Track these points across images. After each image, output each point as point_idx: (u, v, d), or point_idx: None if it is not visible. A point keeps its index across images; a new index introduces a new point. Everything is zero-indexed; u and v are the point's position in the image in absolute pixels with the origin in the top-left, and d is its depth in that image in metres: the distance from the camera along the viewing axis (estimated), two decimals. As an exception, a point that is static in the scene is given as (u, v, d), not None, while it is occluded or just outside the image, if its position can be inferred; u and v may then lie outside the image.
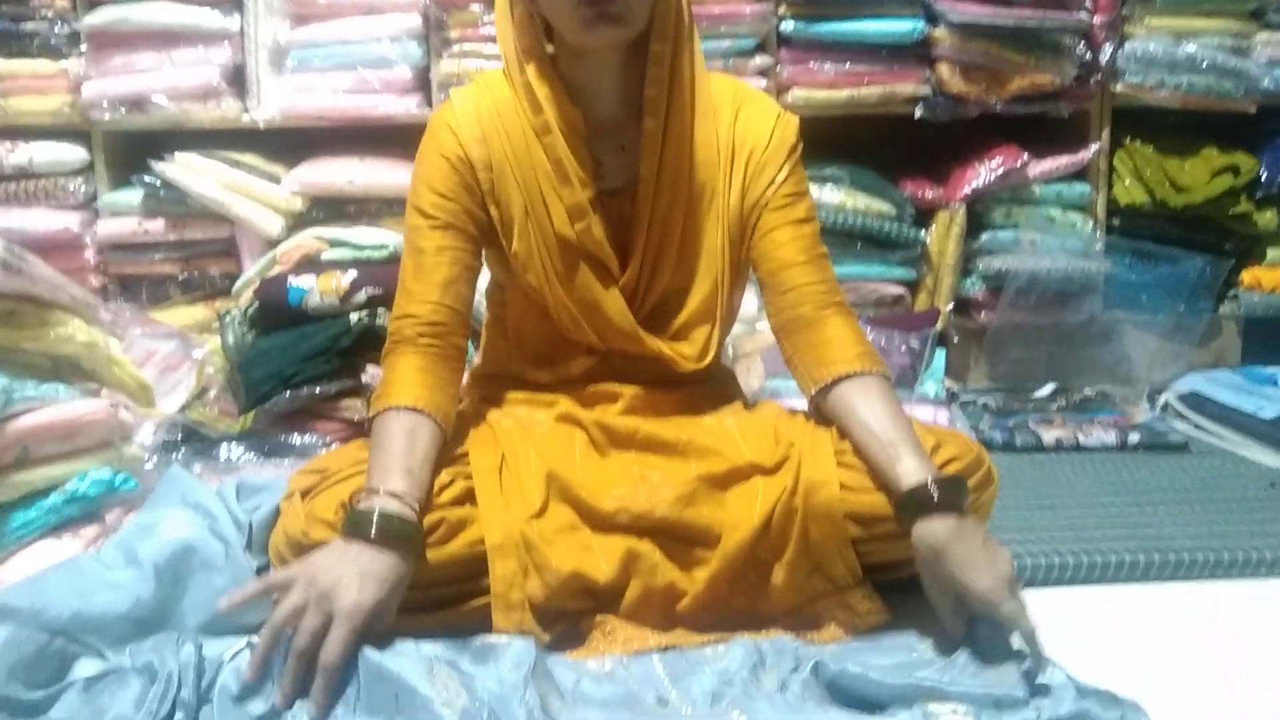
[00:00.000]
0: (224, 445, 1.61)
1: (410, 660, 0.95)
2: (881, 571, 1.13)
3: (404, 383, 1.13)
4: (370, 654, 0.94)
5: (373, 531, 0.98)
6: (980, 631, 1.01)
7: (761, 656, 1.03)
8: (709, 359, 1.24)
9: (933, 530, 1.02)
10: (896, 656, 1.05)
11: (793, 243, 1.20)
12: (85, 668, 0.95)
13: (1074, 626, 0.93)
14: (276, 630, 0.95)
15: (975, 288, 2.23)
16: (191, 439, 1.64)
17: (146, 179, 2.06)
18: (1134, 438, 1.85)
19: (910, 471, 1.04)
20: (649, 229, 1.19)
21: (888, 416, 1.10)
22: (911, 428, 1.11)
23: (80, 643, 0.97)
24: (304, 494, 1.11)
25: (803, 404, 1.25)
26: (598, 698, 0.98)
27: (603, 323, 1.21)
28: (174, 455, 1.56)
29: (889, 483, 1.06)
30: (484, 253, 1.23)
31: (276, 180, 2.07)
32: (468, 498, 1.11)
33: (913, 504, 1.03)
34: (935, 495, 1.02)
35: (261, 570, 1.17)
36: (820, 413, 1.18)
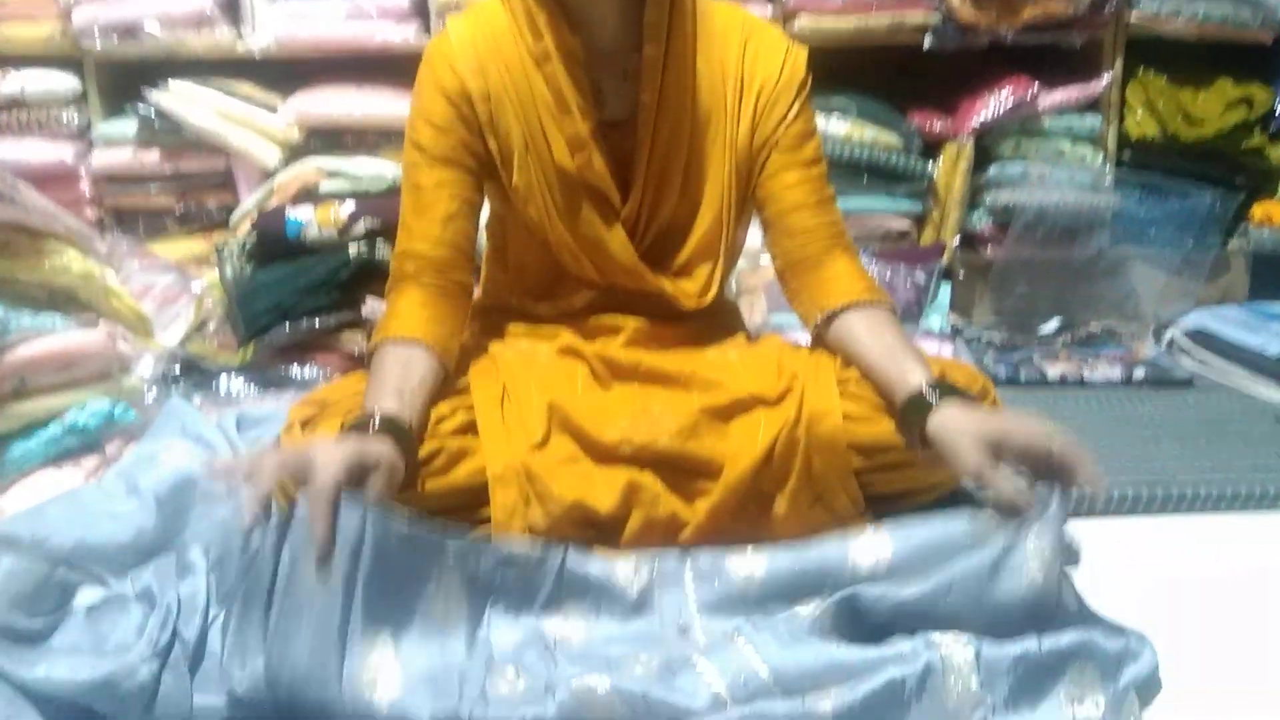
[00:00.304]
0: (223, 378, 1.60)
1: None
2: (883, 504, 1.12)
3: (403, 316, 1.12)
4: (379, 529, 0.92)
5: (368, 430, 0.97)
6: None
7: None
8: (711, 296, 1.23)
9: (954, 408, 1.00)
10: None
11: (801, 185, 1.18)
12: (87, 596, 0.95)
13: (1081, 558, 0.93)
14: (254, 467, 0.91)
15: (982, 222, 2.20)
16: (191, 372, 1.63)
17: (141, 108, 2.02)
18: (1139, 373, 1.84)
19: (923, 377, 1.04)
20: (650, 159, 1.16)
21: (895, 340, 1.10)
22: (919, 351, 1.10)
23: (82, 571, 0.96)
24: (303, 425, 1.10)
25: (806, 339, 1.25)
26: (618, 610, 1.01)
27: (604, 258, 1.19)
28: (174, 388, 1.56)
29: (899, 392, 1.05)
30: (484, 186, 1.21)
31: (273, 110, 2.03)
32: (469, 429, 1.10)
33: (931, 394, 1.02)
34: (952, 390, 1.02)
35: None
36: (824, 343, 1.17)
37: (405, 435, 1.01)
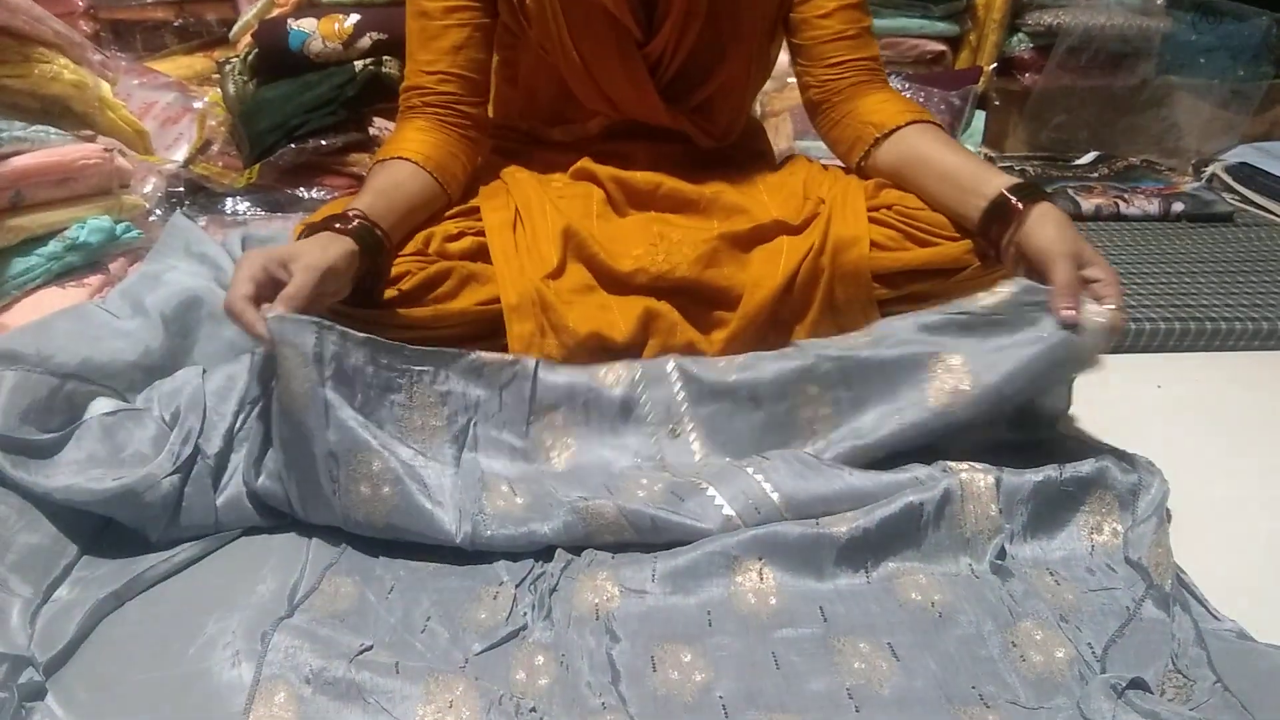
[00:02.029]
0: (229, 200, 1.55)
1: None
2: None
3: (402, 140, 1.07)
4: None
5: (330, 227, 0.93)
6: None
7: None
8: (732, 136, 1.17)
9: (1045, 218, 0.93)
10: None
11: (840, 13, 1.10)
12: (99, 407, 0.93)
13: (1109, 394, 0.90)
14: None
15: (1021, 46, 2.08)
16: (196, 193, 1.59)
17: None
18: (1178, 207, 1.77)
19: (1003, 182, 0.97)
20: None
21: (963, 151, 1.03)
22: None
23: (92, 384, 0.94)
24: None
25: (834, 163, 1.19)
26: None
27: (619, 91, 1.12)
28: (179, 209, 1.51)
29: (979, 197, 0.97)
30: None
31: (271, -86, 1.90)
32: (478, 253, 1.06)
33: (1017, 199, 0.94)
34: (1035, 190, 0.95)
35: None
36: (874, 169, 1.10)
37: (367, 229, 0.95)
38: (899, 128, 1.07)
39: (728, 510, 0.87)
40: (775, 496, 0.87)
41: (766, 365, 0.97)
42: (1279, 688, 0.70)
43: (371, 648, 0.74)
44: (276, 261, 0.87)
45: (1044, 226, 0.92)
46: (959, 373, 0.92)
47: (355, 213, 0.95)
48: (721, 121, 1.17)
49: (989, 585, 0.83)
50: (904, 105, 1.10)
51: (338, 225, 0.93)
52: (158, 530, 0.86)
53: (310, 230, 0.94)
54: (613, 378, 0.99)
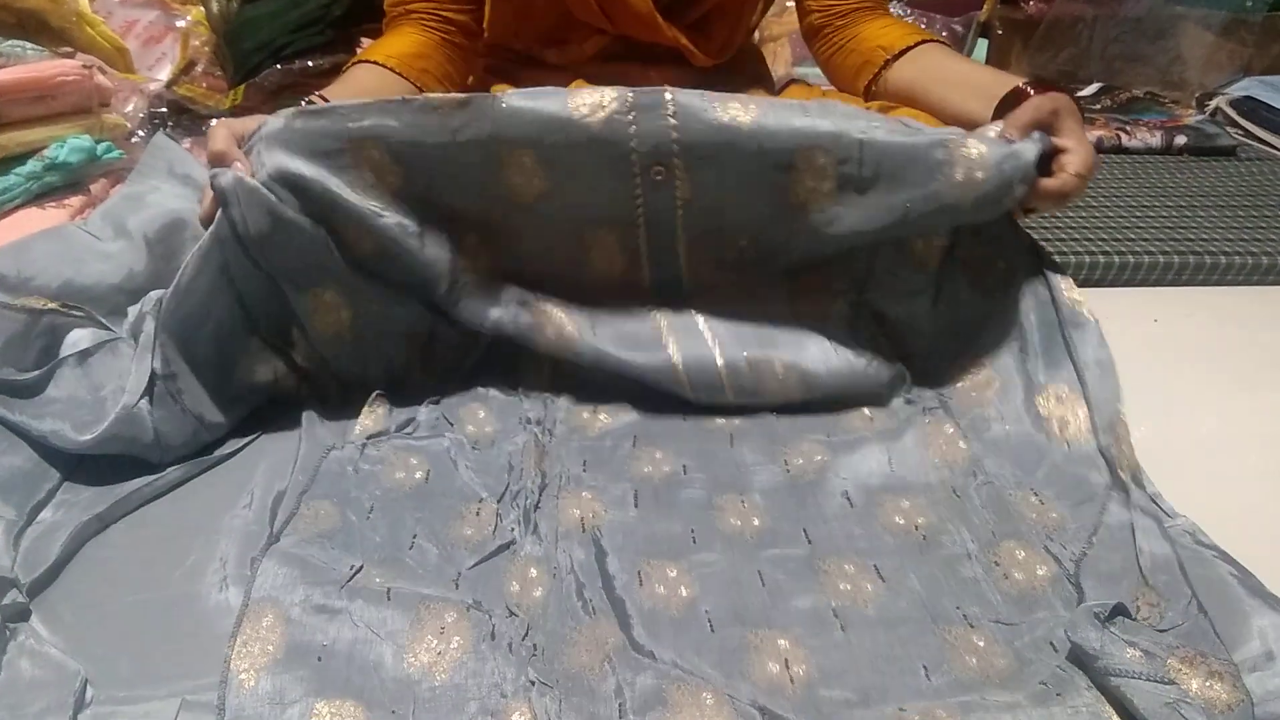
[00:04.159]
0: (213, 122, 1.52)
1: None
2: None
3: (373, 47, 1.05)
4: None
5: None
6: None
7: None
8: (728, 54, 1.14)
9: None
10: None
11: None
12: (77, 339, 0.91)
13: (1110, 325, 0.89)
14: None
15: (1026, -28, 2.04)
16: (180, 114, 1.55)
17: None
18: (1180, 140, 1.75)
19: (1021, 81, 0.93)
20: None
21: (974, 64, 1.01)
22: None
23: (69, 315, 0.92)
24: None
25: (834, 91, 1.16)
26: None
27: (616, 3, 1.08)
28: (162, 130, 1.48)
29: (996, 91, 0.93)
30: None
31: None
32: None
33: (1029, 89, 0.91)
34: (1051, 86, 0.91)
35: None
36: (884, 91, 1.07)
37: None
38: (909, 48, 1.05)
39: (676, 359, 0.91)
40: (720, 364, 0.92)
41: (783, 115, 0.86)
42: (1217, 598, 0.69)
43: (363, 568, 0.74)
44: (241, 130, 0.87)
45: (1041, 100, 0.88)
46: (978, 162, 0.85)
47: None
48: (718, 39, 1.14)
49: (972, 508, 0.83)
50: (909, 28, 1.08)
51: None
52: (156, 454, 0.84)
53: None
54: (590, 105, 0.85)
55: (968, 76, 0.99)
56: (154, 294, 0.93)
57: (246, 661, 0.65)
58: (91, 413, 0.84)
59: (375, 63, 1.03)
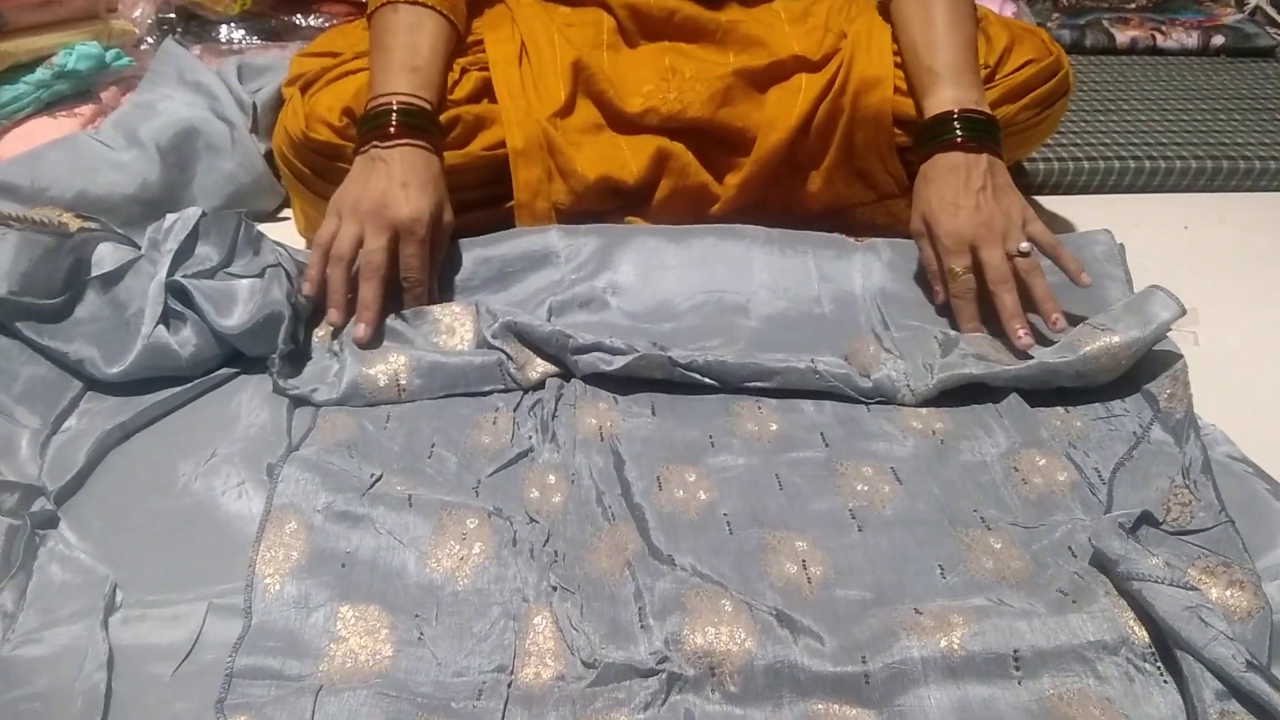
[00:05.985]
0: (223, 27, 1.48)
1: None
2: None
3: None
4: None
5: (391, 127, 0.89)
6: None
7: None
8: None
9: (935, 161, 0.91)
10: None
11: None
12: (102, 258, 0.90)
13: (1134, 234, 0.87)
14: (325, 249, 0.87)
15: None
16: (189, 21, 1.51)
17: None
18: (1218, 40, 1.68)
19: (941, 103, 0.92)
20: None
21: (943, 32, 0.95)
22: (968, 48, 0.95)
23: (93, 232, 0.91)
24: (304, 88, 1.01)
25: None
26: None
27: None
28: (171, 36, 1.45)
29: (919, 112, 0.95)
30: None
31: None
32: (484, 92, 1.01)
33: (933, 131, 0.92)
34: (958, 131, 0.91)
35: (269, 156, 1.10)
36: (883, 13, 1.04)
37: (435, 126, 0.93)
38: None
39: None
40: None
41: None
42: (1245, 506, 0.70)
43: (382, 476, 0.74)
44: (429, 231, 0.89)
45: (932, 176, 0.91)
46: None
47: (411, 104, 0.91)
48: None
49: (991, 414, 0.82)
50: None
51: (420, 132, 0.90)
52: (190, 368, 0.84)
53: (372, 129, 0.90)
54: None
55: (906, 63, 0.97)
56: (186, 212, 0.91)
57: (271, 567, 0.66)
58: (118, 337, 0.84)
59: (424, 4, 0.97)
